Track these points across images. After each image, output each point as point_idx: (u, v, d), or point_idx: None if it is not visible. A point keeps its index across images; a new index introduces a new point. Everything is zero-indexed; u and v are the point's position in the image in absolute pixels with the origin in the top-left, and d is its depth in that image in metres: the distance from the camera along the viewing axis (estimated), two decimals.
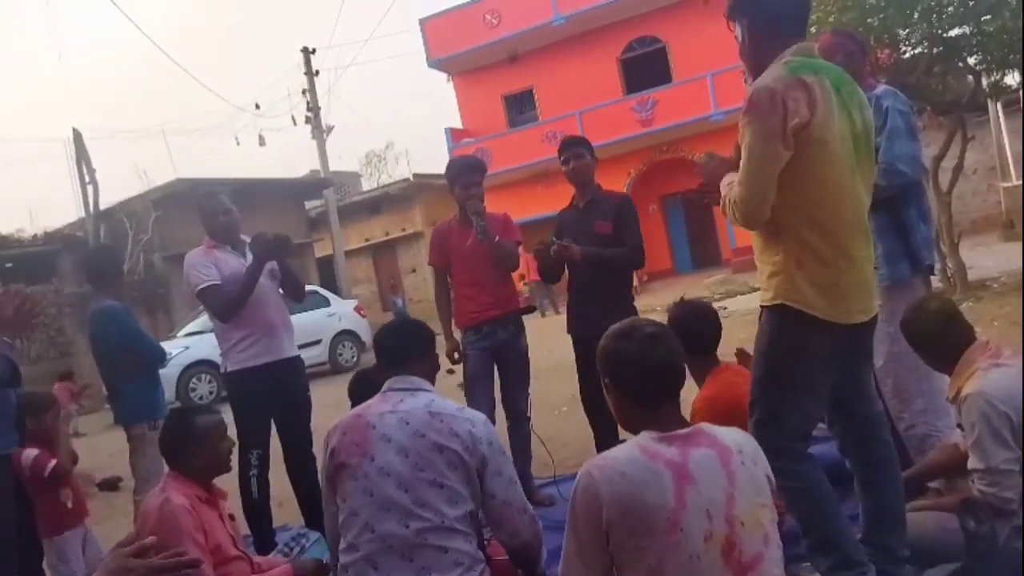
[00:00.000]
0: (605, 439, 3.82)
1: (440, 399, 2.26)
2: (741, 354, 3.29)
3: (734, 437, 1.71)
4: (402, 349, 2.38)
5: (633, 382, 1.76)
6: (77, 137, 15.88)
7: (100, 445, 9.00)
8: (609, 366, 1.80)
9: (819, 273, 2.15)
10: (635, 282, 4.03)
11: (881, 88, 3.08)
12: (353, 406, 3.07)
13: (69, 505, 3.53)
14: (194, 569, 1.37)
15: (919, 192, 3.11)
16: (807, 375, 2.22)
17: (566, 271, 4.00)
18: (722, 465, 1.62)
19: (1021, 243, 9.55)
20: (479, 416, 2.24)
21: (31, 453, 3.49)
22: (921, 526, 2.38)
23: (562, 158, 3.99)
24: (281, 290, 3.83)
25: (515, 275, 4.23)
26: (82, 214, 16.95)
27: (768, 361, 2.26)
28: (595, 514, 1.59)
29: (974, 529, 2.17)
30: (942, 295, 2.88)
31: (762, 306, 2.31)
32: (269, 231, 3.76)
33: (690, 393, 2.34)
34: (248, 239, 3.74)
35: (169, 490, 2.42)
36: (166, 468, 2.65)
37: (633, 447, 1.66)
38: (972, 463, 2.29)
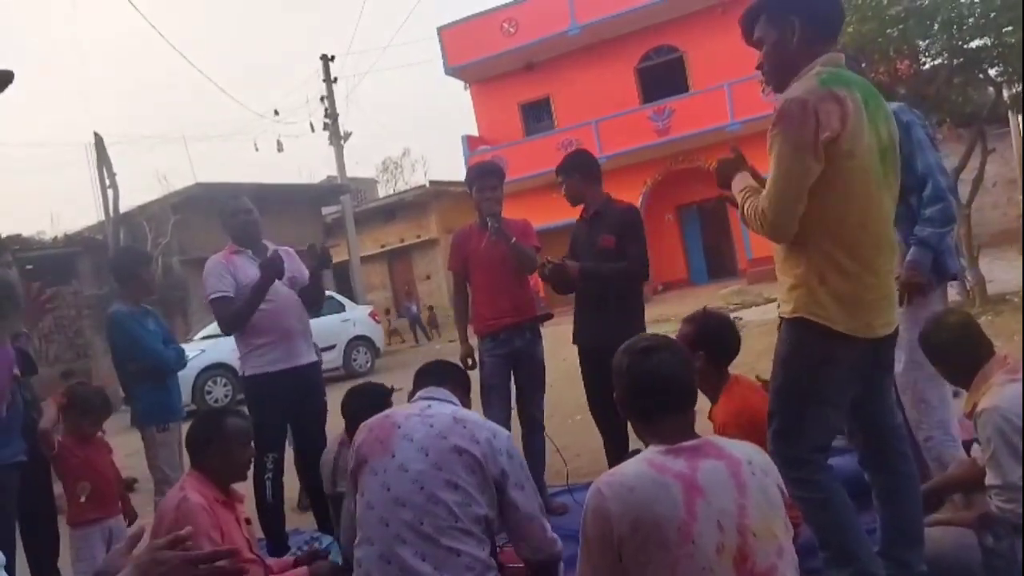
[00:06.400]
0: (615, 449, 3.81)
1: (465, 411, 2.35)
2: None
3: (743, 448, 1.70)
4: (443, 368, 2.59)
5: (628, 395, 1.78)
6: (99, 142, 16.04)
7: (118, 446, 9.04)
8: (613, 379, 1.83)
9: (842, 288, 2.13)
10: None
11: (894, 105, 3.09)
12: (347, 422, 3.13)
13: (82, 499, 3.43)
14: (231, 559, 1.30)
15: None
16: (828, 387, 2.20)
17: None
18: (731, 476, 1.61)
19: (1021, 255, 9.45)
20: (503, 430, 2.29)
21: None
22: (939, 542, 2.36)
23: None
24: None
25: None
26: (102, 217, 17.12)
27: (788, 372, 2.24)
28: (607, 533, 1.59)
29: (992, 545, 2.15)
30: (962, 309, 2.85)
31: (782, 317, 2.29)
32: (317, 243, 3.83)
33: (702, 405, 2.33)
34: (271, 245, 3.77)
35: (188, 489, 2.45)
36: (185, 468, 2.67)
37: (641, 462, 1.66)
38: (989, 479, 2.27)
